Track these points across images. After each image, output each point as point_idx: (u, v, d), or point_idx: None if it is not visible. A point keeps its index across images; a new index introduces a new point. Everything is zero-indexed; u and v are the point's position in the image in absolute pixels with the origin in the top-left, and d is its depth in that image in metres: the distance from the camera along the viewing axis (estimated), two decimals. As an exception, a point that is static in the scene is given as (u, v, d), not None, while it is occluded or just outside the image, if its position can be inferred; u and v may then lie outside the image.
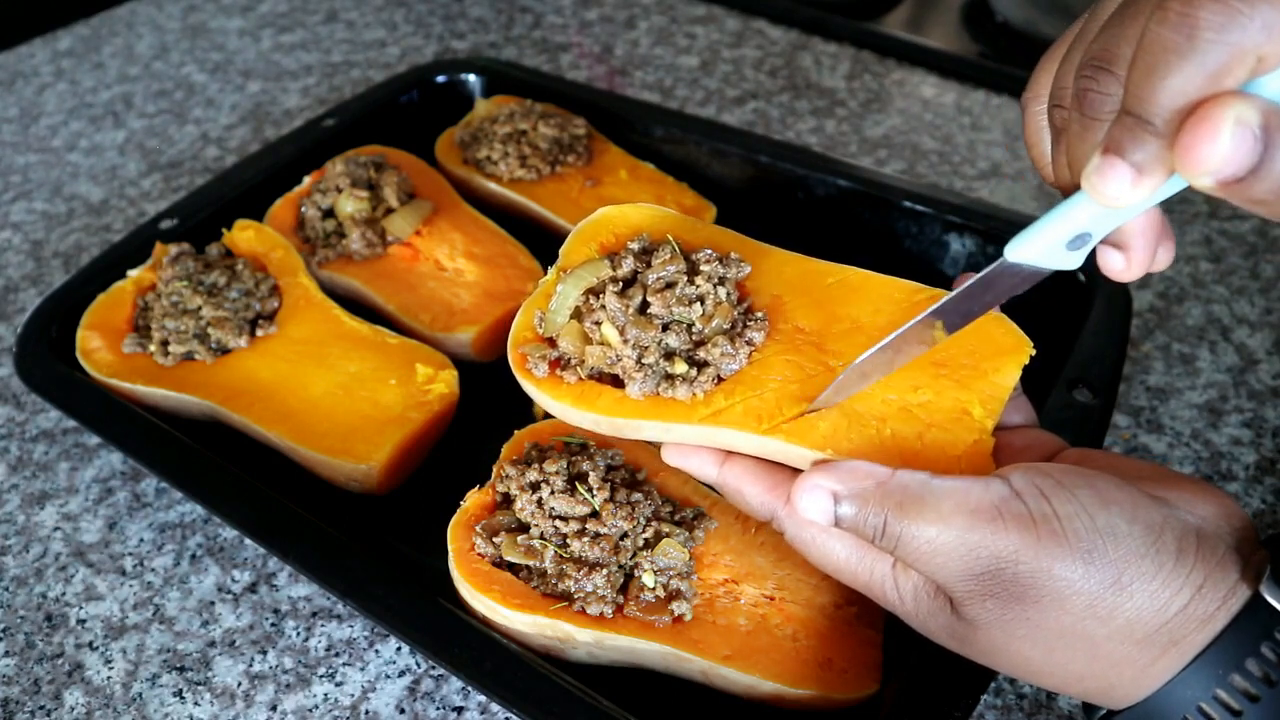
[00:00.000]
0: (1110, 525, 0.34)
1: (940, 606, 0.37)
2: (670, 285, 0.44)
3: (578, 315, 0.44)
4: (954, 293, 0.39)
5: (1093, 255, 0.37)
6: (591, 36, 1.10)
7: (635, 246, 0.46)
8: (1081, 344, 0.57)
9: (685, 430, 0.42)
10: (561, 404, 0.43)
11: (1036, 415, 0.45)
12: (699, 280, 0.44)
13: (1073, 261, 0.36)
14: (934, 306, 0.39)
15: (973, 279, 0.38)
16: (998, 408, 0.41)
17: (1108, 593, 0.33)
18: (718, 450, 0.42)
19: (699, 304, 0.43)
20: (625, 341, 0.42)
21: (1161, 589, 0.33)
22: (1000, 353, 0.42)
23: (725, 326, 0.43)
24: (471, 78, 0.85)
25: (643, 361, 0.42)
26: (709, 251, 0.45)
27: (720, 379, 0.42)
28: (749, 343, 0.43)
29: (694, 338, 0.43)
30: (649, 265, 0.44)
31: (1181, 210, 0.82)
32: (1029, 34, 1.02)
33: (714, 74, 1.03)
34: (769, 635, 0.46)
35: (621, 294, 0.44)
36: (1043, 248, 0.36)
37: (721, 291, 0.44)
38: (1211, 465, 0.62)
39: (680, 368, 0.42)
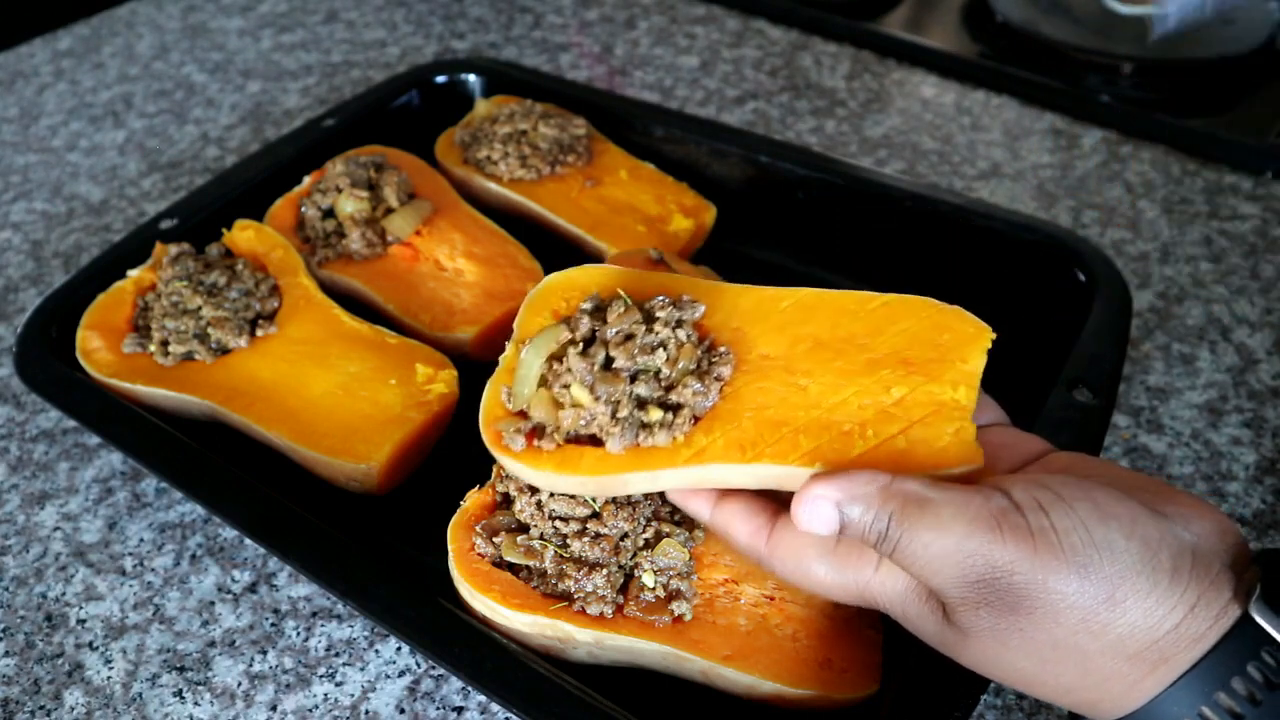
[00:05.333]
0: (1108, 540, 0.34)
1: (930, 612, 0.37)
2: (629, 337, 0.44)
3: (544, 383, 0.44)
4: None
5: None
6: (591, 36, 1.10)
7: (588, 306, 0.46)
8: (1081, 344, 0.57)
9: (672, 475, 0.41)
10: (543, 472, 0.43)
11: (1006, 414, 0.45)
12: (656, 327, 0.44)
13: None
14: None
15: None
16: (973, 393, 0.41)
17: (1101, 608, 0.33)
18: (712, 492, 0.43)
19: (661, 350, 0.43)
20: (596, 399, 0.42)
21: (1155, 607, 0.33)
22: (963, 342, 0.42)
23: (691, 367, 0.43)
24: (471, 78, 0.85)
25: (617, 415, 0.42)
26: (661, 298, 0.45)
27: (696, 418, 0.42)
28: (718, 378, 0.43)
29: (663, 383, 0.43)
30: (605, 322, 0.45)
31: (1181, 210, 0.82)
32: (1029, 34, 1.02)
33: (714, 74, 1.03)
34: (769, 635, 0.46)
35: (584, 354, 0.44)
36: None
37: (681, 334, 0.44)
38: (1211, 465, 0.62)
39: (655, 414, 0.42)
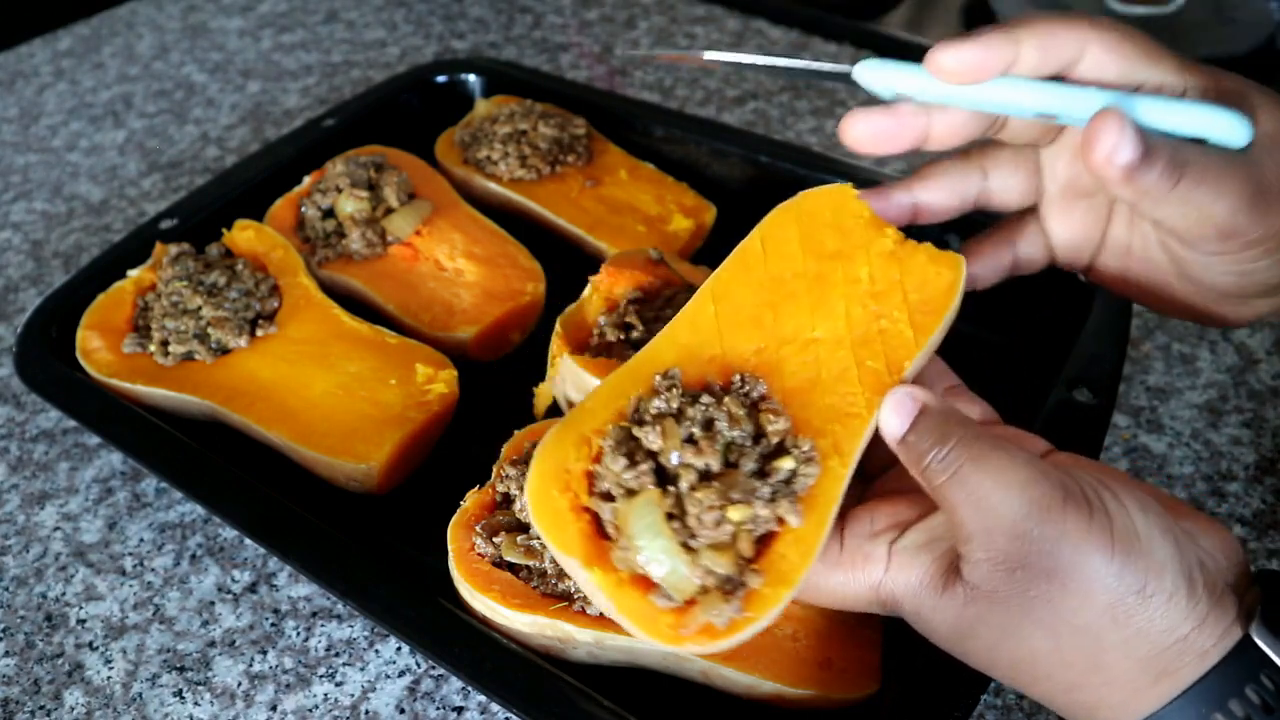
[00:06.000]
0: (1149, 532, 0.34)
1: (948, 603, 0.37)
2: (691, 439, 0.40)
3: (688, 550, 0.38)
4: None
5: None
6: (591, 36, 1.10)
7: (619, 464, 0.39)
8: (1081, 344, 0.57)
9: (845, 484, 0.40)
10: (778, 600, 0.37)
11: (995, 412, 0.44)
12: (690, 412, 0.40)
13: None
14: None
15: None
16: (887, 224, 0.45)
17: (1131, 596, 0.33)
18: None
19: (718, 419, 0.40)
20: (749, 502, 0.38)
21: (1174, 609, 0.34)
22: (839, 207, 0.46)
23: (746, 407, 0.41)
24: (471, 78, 0.85)
25: (763, 498, 0.38)
26: (656, 402, 0.41)
27: (798, 429, 0.40)
28: (764, 397, 0.41)
29: (750, 437, 0.40)
30: (656, 455, 0.39)
31: (1181, 210, 0.82)
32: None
33: (714, 74, 1.03)
34: (769, 635, 0.46)
35: (697, 486, 0.38)
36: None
37: (706, 397, 0.41)
38: (1211, 465, 0.62)
39: (787, 462, 0.39)
